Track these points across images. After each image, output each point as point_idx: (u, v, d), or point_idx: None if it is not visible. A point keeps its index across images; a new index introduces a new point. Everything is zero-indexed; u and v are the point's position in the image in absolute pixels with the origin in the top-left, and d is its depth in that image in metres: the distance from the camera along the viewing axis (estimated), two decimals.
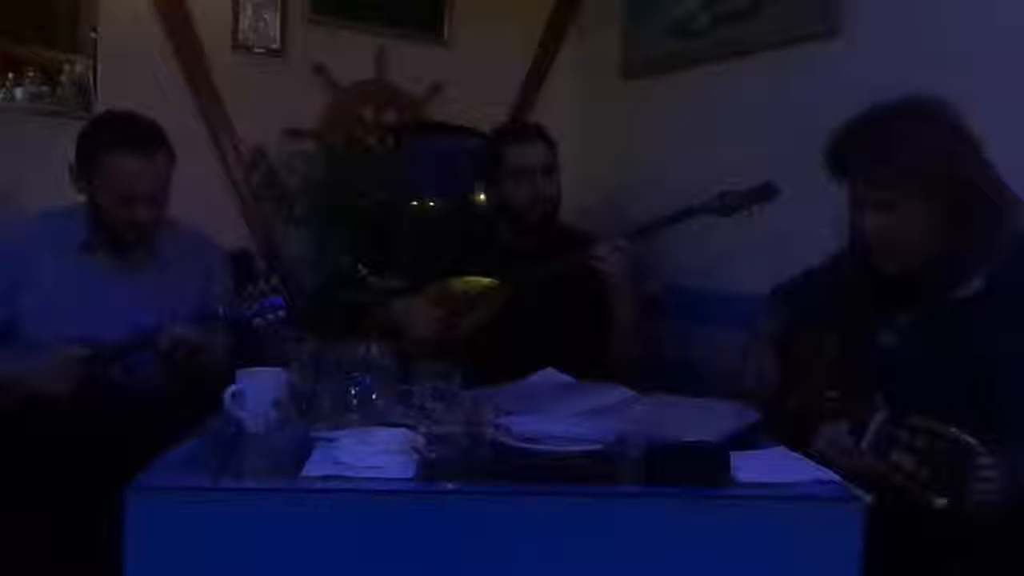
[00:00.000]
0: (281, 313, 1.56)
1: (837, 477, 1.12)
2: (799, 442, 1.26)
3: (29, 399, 1.52)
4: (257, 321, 1.57)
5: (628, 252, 1.84)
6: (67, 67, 2.46)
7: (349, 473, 1.08)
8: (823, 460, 1.17)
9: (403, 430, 1.19)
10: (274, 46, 2.73)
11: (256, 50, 2.71)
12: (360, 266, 2.44)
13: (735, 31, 2.37)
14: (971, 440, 0.96)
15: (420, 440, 1.12)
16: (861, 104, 1.31)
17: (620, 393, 1.49)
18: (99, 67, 2.47)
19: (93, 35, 2.47)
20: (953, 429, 0.97)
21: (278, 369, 1.26)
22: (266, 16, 2.71)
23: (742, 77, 2.35)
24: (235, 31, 2.68)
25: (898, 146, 1.24)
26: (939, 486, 0.97)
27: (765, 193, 1.73)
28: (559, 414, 1.31)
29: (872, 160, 1.26)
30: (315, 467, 1.09)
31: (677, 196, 1.91)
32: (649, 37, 2.71)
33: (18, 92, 2.40)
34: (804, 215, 1.89)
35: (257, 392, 1.22)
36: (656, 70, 2.69)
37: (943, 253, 1.26)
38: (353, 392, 1.30)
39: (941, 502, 0.96)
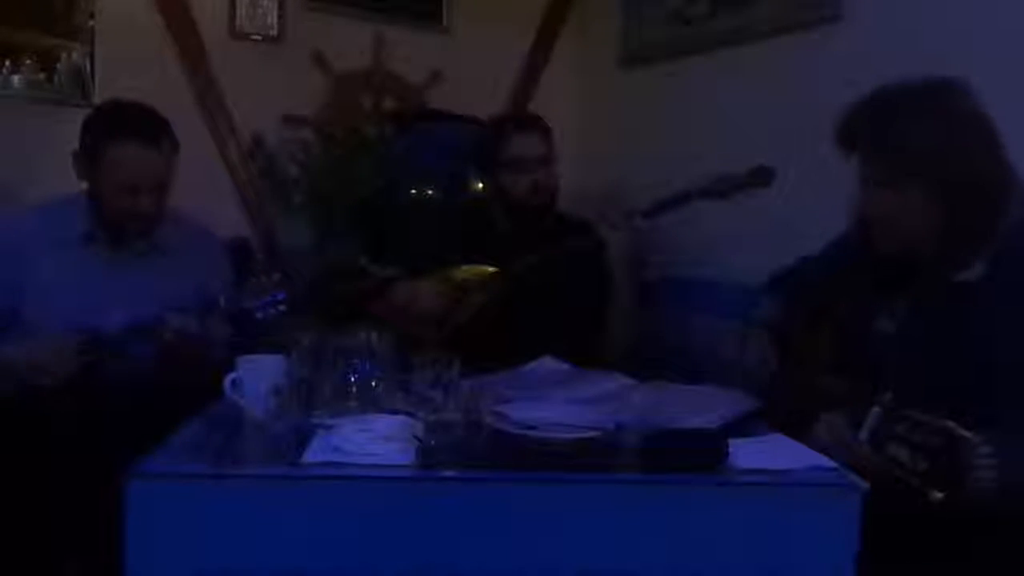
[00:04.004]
0: (283, 308, 1.57)
1: (834, 464, 1.13)
2: (797, 431, 1.26)
3: (28, 388, 1.52)
4: (260, 315, 1.57)
5: (638, 229, 1.85)
6: (64, 55, 2.45)
7: (348, 460, 1.08)
8: (821, 451, 1.18)
9: (402, 417, 1.20)
10: (272, 33, 2.72)
11: (254, 37, 2.70)
12: (359, 254, 2.44)
13: (734, 18, 2.36)
14: (967, 434, 0.96)
15: (419, 427, 1.13)
16: (862, 91, 1.30)
17: (618, 381, 1.49)
18: (96, 55, 2.46)
19: (91, 22, 2.46)
20: (950, 423, 0.97)
21: (278, 356, 1.27)
22: (264, 3, 2.70)
23: (741, 64, 2.34)
24: (233, 18, 2.66)
25: (901, 130, 1.24)
26: (936, 479, 0.97)
27: (762, 177, 1.72)
28: (557, 401, 1.31)
29: (875, 140, 1.26)
30: (314, 454, 1.10)
31: (676, 185, 1.91)
32: (648, 25, 2.70)
33: (15, 80, 2.39)
34: (803, 203, 1.89)
35: (257, 379, 1.22)
36: (655, 59, 2.68)
37: (943, 238, 1.25)
38: (352, 379, 1.31)
39: (938, 495, 0.96)
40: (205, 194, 2.31)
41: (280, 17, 2.72)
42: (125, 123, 1.64)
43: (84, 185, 1.70)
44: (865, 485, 1.07)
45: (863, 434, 1.05)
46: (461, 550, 1.05)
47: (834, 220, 1.44)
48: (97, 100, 2.35)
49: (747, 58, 2.32)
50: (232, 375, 1.21)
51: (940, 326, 1.26)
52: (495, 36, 2.96)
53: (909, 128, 1.23)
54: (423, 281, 1.96)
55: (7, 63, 2.37)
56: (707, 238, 2.27)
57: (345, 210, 2.57)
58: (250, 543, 1.03)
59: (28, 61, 2.41)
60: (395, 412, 1.24)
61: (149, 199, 1.65)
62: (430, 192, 2.60)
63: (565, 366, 1.64)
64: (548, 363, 1.64)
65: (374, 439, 1.12)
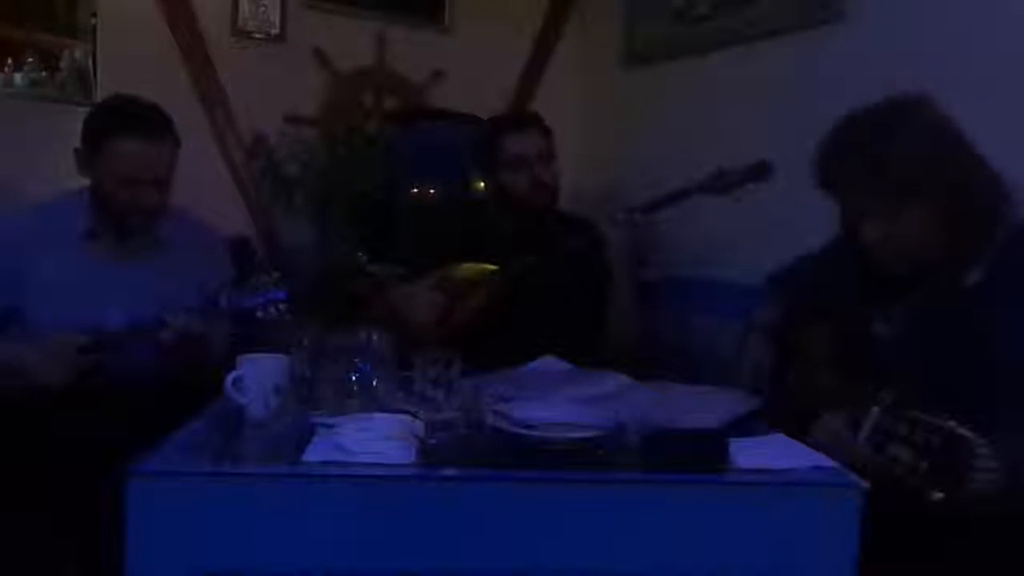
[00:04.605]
0: (283, 306, 1.57)
1: (835, 463, 1.13)
2: (797, 431, 1.26)
3: (29, 386, 1.52)
4: (260, 314, 1.57)
5: (638, 226, 1.85)
6: (66, 53, 2.45)
7: (349, 459, 1.08)
8: (820, 451, 1.18)
9: (403, 416, 1.20)
10: (274, 32, 2.72)
11: (256, 36, 2.70)
12: (360, 253, 2.44)
13: (736, 18, 2.36)
14: (968, 433, 0.96)
15: (420, 426, 1.13)
16: (863, 90, 1.30)
17: (619, 380, 1.49)
18: (99, 53, 2.46)
19: (92, 20, 2.46)
20: (950, 422, 0.97)
21: (279, 355, 1.27)
22: (266, 2, 2.70)
23: (743, 64, 2.34)
24: (235, 16, 2.67)
25: (897, 154, 1.23)
26: (936, 480, 0.97)
27: (760, 172, 1.72)
28: (558, 400, 1.31)
29: (866, 170, 1.25)
30: (315, 453, 1.10)
31: (678, 184, 1.91)
32: (649, 25, 2.70)
33: (17, 78, 2.39)
34: (804, 202, 1.88)
35: (258, 378, 1.22)
36: (657, 58, 2.68)
37: (942, 252, 1.25)
38: (353, 378, 1.30)
39: (938, 496, 0.96)
40: (207, 192, 2.31)
41: (282, 16, 2.72)
42: (126, 117, 1.65)
43: (86, 182, 1.70)
44: (865, 485, 1.07)
45: (862, 434, 1.05)
46: (461, 549, 1.05)
47: (834, 220, 1.43)
48: (99, 98, 2.35)
49: (748, 58, 2.32)
50: (233, 374, 1.21)
51: (938, 330, 1.26)
52: (496, 35, 2.96)
53: (896, 143, 1.23)
54: (420, 286, 1.95)
55: (9, 61, 2.38)
56: (707, 238, 2.27)
57: (346, 209, 2.57)
58: (250, 542, 1.03)
59: (30, 59, 2.41)
60: (396, 411, 1.24)
61: (150, 194, 1.65)
62: (431, 191, 2.60)
63: (566, 365, 1.64)
64: (549, 362, 1.64)
65: (375, 438, 1.12)
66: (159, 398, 1.45)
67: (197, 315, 1.57)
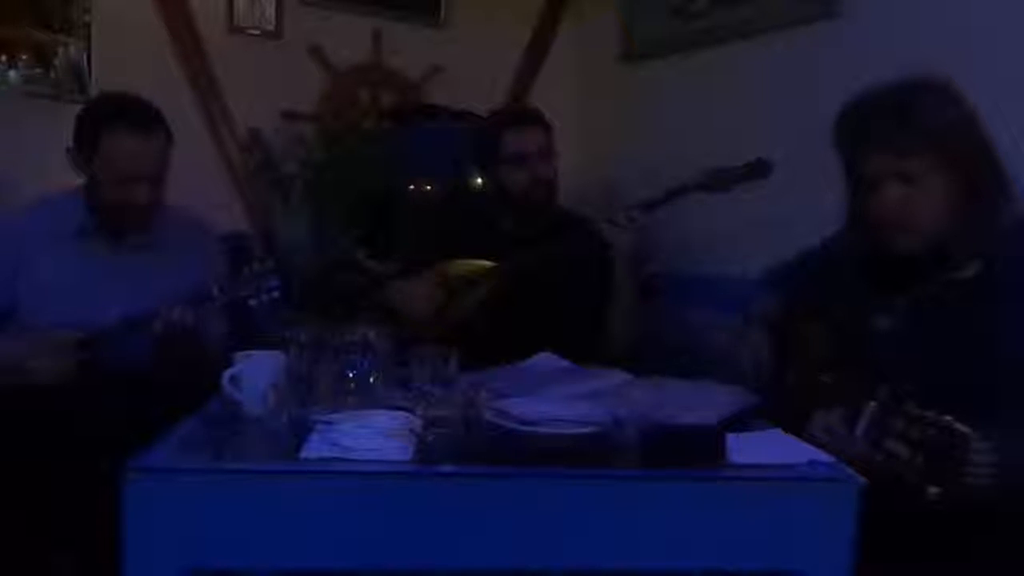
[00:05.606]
0: (276, 294, 1.57)
1: (832, 459, 1.13)
2: (795, 427, 1.26)
3: (26, 383, 1.52)
4: (252, 302, 1.57)
5: (638, 225, 1.84)
6: (61, 50, 2.44)
7: (346, 456, 1.08)
8: (818, 446, 1.18)
9: (401, 413, 1.19)
10: (270, 28, 2.71)
11: (252, 32, 2.70)
12: (357, 250, 2.44)
13: (734, 13, 2.36)
14: (964, 429, 0.96)
15: (418, 423, 1.13)
16: (862, 86, 1.30)
17: (618, 376, 1.49)
18: (93, 49, 2.46)
19: (87, 17, 2.45)
20: (947, 418, 0.97)
21: (276, 352, 1.27)
22: None
23: (742, 59, 2.34)
24: (231, 12, 2.66)
25: (924, 115, 1.24)
26: (932, 475, 0.97)
27: (759, 169, 1.72)
28: (556, 397, 1.31)
29: (900, 128, 1.24)
30: (313, 449, 1.10)
31: (676, 180, 1.91)
32: (648, 20, 2.70)
33: (11, 75, 2.38)
34: (804, 198, 1.89)
35: (255, 375, 1.22)
36: (655, 53, 2.68)
37: (953, 230, 1.25)
38: (351, 375, 1.30)
39: (934, 491, 0.97)
40: (203, 189, 2.31)
41: (278, 12, 2.72)
42: (117, 113, 1.65)
43: (82, 180, 1.69)
44: (862, 480, 1.07)
45: (859, 430, 1.05)
46: (459, 546, 1.05)
47: (834, 216, 1.44)
48: (94, 95, 2.34)
49: (746, 54, 2.32)
50: (230, 371, 1.21)
51: (937, 324, 1.26)
52: (493, 31, 2.95)
53: (931, 116, 1.23)
54: (418, 282, 1.95)
55: (3, 58, 2.37)
56: (708, 235, 2.27)
57: (343, 205, 2.57)
58: (248, 539, 1.03)
59: (25, 56, 2.40)
60: (394, 408, 1.23)
61: (143, 190, 1.65)
62: (428, 187, 2.60)
63: (563, 362, 1.64)
64: (546, 359, 1.64)
65: (372, 435, 1.12)
66: (157, 395, 1.45)
67: (191, 309, 1.57)
